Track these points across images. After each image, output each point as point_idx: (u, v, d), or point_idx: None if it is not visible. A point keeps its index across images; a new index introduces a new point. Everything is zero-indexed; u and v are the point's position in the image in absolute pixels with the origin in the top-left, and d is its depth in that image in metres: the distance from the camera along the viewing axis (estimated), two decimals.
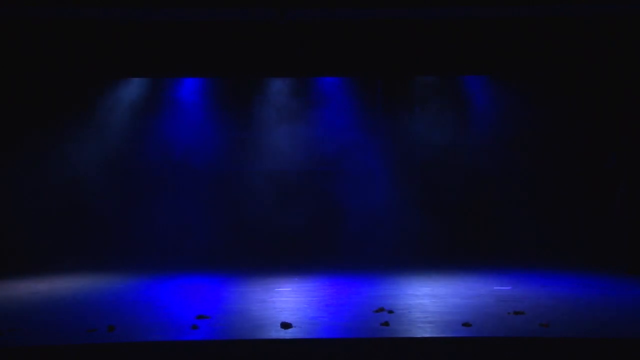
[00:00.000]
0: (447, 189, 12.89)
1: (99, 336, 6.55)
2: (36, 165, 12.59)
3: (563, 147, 12.72)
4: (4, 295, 8.96)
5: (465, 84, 13.14)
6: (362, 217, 13.15)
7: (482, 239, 12.74)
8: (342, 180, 13.35)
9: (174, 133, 13.25)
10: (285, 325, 6.84)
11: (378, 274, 10.58)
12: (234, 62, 11.18)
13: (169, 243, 12.85)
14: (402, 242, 12.77)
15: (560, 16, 10.64)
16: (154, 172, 13.14)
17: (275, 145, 13.24)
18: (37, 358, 6.21)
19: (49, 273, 10.89)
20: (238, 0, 10.06)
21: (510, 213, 12.86)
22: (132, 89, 12.94)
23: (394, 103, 13.30)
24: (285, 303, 8.25)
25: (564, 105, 12.64)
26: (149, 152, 13.14)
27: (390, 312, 7.58)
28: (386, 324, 6.98)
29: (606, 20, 10.67)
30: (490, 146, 12.86)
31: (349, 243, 13.09)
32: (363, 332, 6.70)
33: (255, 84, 13.29)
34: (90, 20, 10.68)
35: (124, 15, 10.47)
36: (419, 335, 6.55)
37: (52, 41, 10.78)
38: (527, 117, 12.70)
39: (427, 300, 8.37)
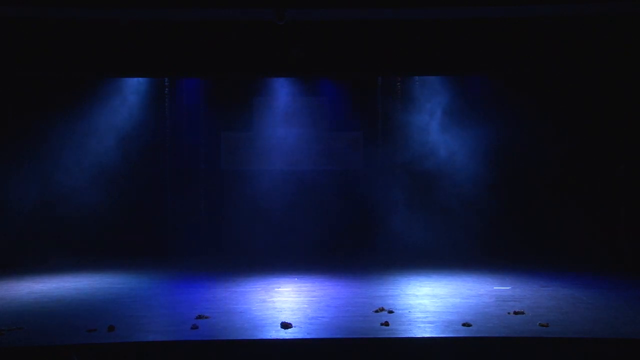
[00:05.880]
0: (450, 191, 12.88)
1: (99, 336, 6.56)
2: (36, 166, 12.57)
3: (564, 148, 12.70)
4: (4, 295, 8.96)
5: (467, 85, 13.15)
6: (365, 217, 13.16)
7: (483, 240, 12.74)
8: (345, 179, 13.35)
9: (174, 133, 13.25)
10: (285, 325, 6.85)
11: (378, 274, 10.58)
12: (234, 62, 11.17)
13: (170, 243, 12.84)
14: (405, 242, 12.76)
15: (560, 16, 10.63)
16: (154, 173, 13.13)
17: (278, 145, 13.24)
18: (37, 358, 6.21)
19: (48, 273, 10.90)
20: (238, 0, 10.06)
21: (511, 214, 12.86)
22: (132, 89, 12.94)
23: (397, 103, 13.30)
24: (285, 303, 8.26)
25: (564, 108, 12.65)
26: (149, 153, 13.12)
27: (390, 312, 7.59)
28: (386, 324, 6.99)
29: (607, 20, 10.67)
30: (490, 149, 12.85)
31: (351, 243, 13.10)
32: (363, 332, 6.70)
33: (255, 84, 13.29)
34: (90, 20, 10.67)
35: (124, 15, 10.46)
36: (419, 335, 6.56)
37: (51, 41, 10.76)
38: (525, 119, 12.70)
39: (427, 300, 8.37)
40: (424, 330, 6.74)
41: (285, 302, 8.28)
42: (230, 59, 11.09)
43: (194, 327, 6.88)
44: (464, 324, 6.92)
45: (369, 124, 13.44)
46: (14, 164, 12.49)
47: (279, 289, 9.28)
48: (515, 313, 7.48)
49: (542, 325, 6.86)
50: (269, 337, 6.51)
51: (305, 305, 8.05)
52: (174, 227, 12.99)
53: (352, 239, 13.14)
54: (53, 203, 12.51)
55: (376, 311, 7.62)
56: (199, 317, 7.32)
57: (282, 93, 13.24)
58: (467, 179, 12.80)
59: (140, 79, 12.89)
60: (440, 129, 12.95)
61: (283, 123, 13.21)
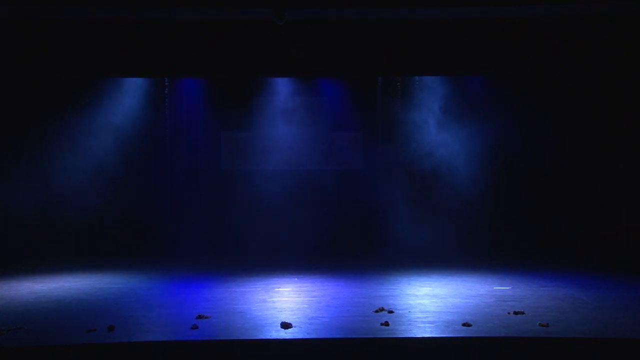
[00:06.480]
0: (450, 190, 12.88)
1: (99, 336, 6.56)
2: (36, 166, 12.58)
3: (564, 147, 12.71)
4: (4, 295, 8.96)
5: (467, 84, 13.15)
6: (365, 217, 13.16)
7: (483, 240, 12.74)
8: (345, 179, 13.35)
9: (174, 133, 13.25)
10: (285, 325, 6.85)
11: (378, 274, 10.59)
12: (234, 62, 11.17)
13: (170, 243, 12.83)
14: (405, 242, 12.76)
15: (560, 16, 10.63)
16: (154, 173, 13.12)
17: (278, 145, 13.24)
18: (37, 358, 6.21)
19: (48, 273, 10.89)
20: (238, 0, 10.06)
21: (511, 214, 12.87)
22: (132, 88, 12.93)
23: (397, 103, 13.30)
24: (285, 303, 8.26)
25: (564, 108, 12.66)
26: (149, 153, 13.12)
27: (390, 312, 7.58)
28: (386, 324, 6.99)
29: (607, 20, 10.66)
30: (490, 149, 12.84)
31: (351, 243, 13.10)
32: (363, 332, 6.70)
33: (255, 84, 13.28)
34: (90, 20, 10.66)
35: (123, 15, 10.46)
36: (419, 335, 6.55)
37: (51, 41, 10.76)
38: (525, 119, 12.71)
39: (427, 300, 8.37)
40: (424, 330, 6.74)
41: (285, 302, 8.28)
42: (230, 59, 11.09)
43: (194, 327, 6.88)
44: (464, 324, 6.92)
45: (369, 124, 13.43)
46: (14, 164, 12.49)
47: (279, 289, 9.28)
48: (515, 313, 7.47)
49: (542, 325, 6.86)
50: (269, 337, 6.51)
51: (305, 305, 8.05)
52: (174, 227, 12.97)
53: (352, 239, 13.13)
54: (53, 203, 12.50)
55: (376, 311, 7.62)
56: (199, 317, 7.31)
57: (282, 93, 13.23)
58: (467, 179, 12.80)
59: (140, 79, 12.88)
60: (440, 128, 12.94)
61: (283, 123, 13.20)
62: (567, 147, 12.67)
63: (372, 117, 13.41)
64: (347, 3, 10.10)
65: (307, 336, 6.51)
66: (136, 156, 13.00)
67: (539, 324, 6.92)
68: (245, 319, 7.31)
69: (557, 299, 8.41)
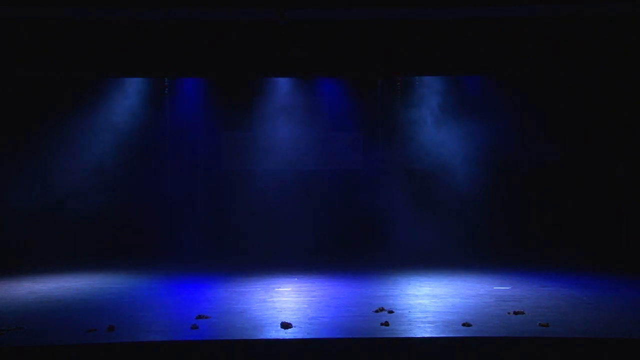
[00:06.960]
0: (450, 190, 12.88)
1: (99, 336, 6.56)
2: (36, 166, 12.59)
3: (564, 147, 12.71)
4: (4, 295, 8.96)
5: (467, 85, 13.15)
6: (365, 217, 13.17)
7: (483, 240, 12.74)
8: (345, 179, 13.35)
9: (174, 133, 13.26)
10: (285, 325, 6.85)
11: (378, 274, 10.59)
12: (234, 62, 11.18)
13: (170, 243, 12.83)
14: (405, 242, 12.76)
15: (560, 16, 10.64)
16: (154, 173, 13.13)
17: (278, 145, 13.24)
18: (37, 358, 6.21)
19: (48, 273, 10.89)
20: (238, 0, 10.07)
21: (511, 214, 12.87)
22: (132, 88, 12.94)
23: (397, 103, 13.31)
24: (285, 303, 8.26)
25: (564, 107, 12.66)
26: (149, 153, 13.13)
27: (390, 312, 7.58)
28: (386, 324, 6.99)
29: (607, 20, 10.67)
30: (490, 149, 12.85)
31: (351, 243, 13.11)
32: (363, 332, 6.70)
33: (255, 84, 13.28)
34: (90, 20, 10.67)
35: (123, 15, 10.46)
36: (419, 335, 6.55)
37: (51, 41, 10.77)
38: (525, 119, 12.71)
39: (427, 300, 8.37)
40: (424, 330, 6.74)
41: (285, 302, 8.28)
42: (230, 59, 11.10)
43: (194, 327, 6.88)
44: (464, 324, 6.92)
45: (369, 124, 13.44)
46: (14, 164, 12.49)
47: (279, 289, 9.28)
48: (515, 313, 7.47)
49: (542, 325, 6.86)
50: (269, 337, 6.51)
51: (305, 305, 8.05)
52: (174, 227, 12.98)
53: (351, 239, 13.14)
54: (53, 203, 12.52)
55: (376, 311, 7.62)
56: (199, 317, 7.31)
57: (282, 93, 13.23)
58: (467, 179, 12.80)
59: (140, 79, 12.88)
60: (440, 128, 12.94)
61: (283, 123, 13.20)
62: (567, 147, 12.67)
63: (372, 117, 13.42)
64: (347, 3, 10.10)
65: (307, 336, 6.51)
66: (136, 156, 13.00)
67: (539, 324, 6.92)
68: (245, 319, 7.31)
69: (557, 299, 8.41)
